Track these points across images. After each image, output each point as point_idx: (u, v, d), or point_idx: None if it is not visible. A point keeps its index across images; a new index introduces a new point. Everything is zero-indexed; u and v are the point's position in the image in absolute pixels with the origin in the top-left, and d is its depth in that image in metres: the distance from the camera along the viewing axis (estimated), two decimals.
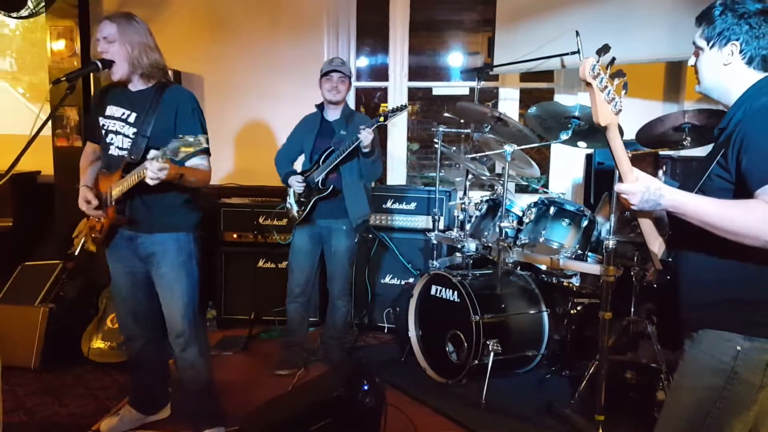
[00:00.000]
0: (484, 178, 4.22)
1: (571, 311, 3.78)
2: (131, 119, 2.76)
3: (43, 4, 4.73)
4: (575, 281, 3.80)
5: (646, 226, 1.89)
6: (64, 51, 5.02)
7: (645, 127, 3.39)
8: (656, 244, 1.91)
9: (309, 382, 3.28)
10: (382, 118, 3.56)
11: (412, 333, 3.95)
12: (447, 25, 6.03)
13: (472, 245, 3.92)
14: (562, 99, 4.82)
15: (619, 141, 1.75)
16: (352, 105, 5.31)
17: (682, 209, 1.69)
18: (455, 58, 6.05)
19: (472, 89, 4.83)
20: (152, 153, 2.44)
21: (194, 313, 2.91)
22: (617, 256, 3.07)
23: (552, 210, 3.66)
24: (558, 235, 3.61)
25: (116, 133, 2.79)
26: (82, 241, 3.11)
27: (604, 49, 1.69)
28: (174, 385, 3.24)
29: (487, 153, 4.02)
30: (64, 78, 2.60)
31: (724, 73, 1.78)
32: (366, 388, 2.56)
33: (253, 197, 4.89)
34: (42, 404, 3.43)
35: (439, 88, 5.64)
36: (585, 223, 3.62)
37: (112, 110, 2.80)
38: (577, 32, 3.97)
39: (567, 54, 4.15)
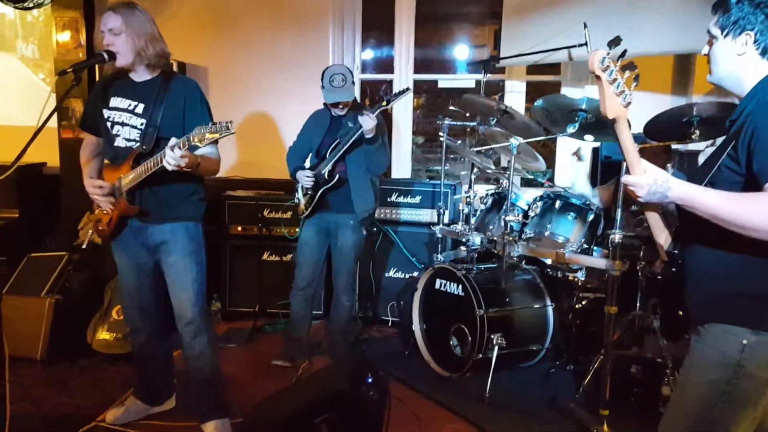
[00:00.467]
0: (489, 171, 4.20)
1: (576, 305, 3.77)
2: (139, 110, 2.76)
3: None
4: (581, 275, 3.79)
5: (653, 219, 1.88)
6: (69, 42, 5.01)
7: (653, 120, 3.37)
8: (663, 237, 1.90)
9: (313, 375, 3.29)
10: (384, 102, 3.54)
11: (417, 326, 3.95)
12: (453, 17, 5.99)
13: (476, 239, 3.92)
14: (569, 92, 4.79)
15: (627, 133, 1.74)
16: (357, 97, 5.30)
17: (689, 202, 1.68)
18: (461, 51, 6.01)
19: (478, 82, 4.81)
20: (173, 141, 2.47)
21: (203, 302, 2.94)
22: (623, 251, 3.06)
23: (558, 204, 3.65)
24: (563, 229, 3.60)
25: (123, 124, 2.79)
26: (89, 234, 3.12)
27: (615, 41, 1.67)
28: (179, 377, 3.25)
29: (492, 146, 4.01)
30: (70, 69, 2.60)
31: (738, 64, 1.76)
32: (370, 381, 2.56)
33: (258, 190, 4.89)
34: (48, 395, 3.45)
35: (445, 81, 5.61)
36: (591, 217, 3.61)
37: (117, 102, 2.80)
38: (584, 24, 3.95)
39: (574, 46, 4.12)
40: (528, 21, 4.57)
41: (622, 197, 3.07)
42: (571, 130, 3.48)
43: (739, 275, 1.71)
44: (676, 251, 1.87)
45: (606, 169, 4.36)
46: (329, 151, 3.66)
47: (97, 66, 2.91)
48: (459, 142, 4.28)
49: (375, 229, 4.63)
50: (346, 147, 3.59)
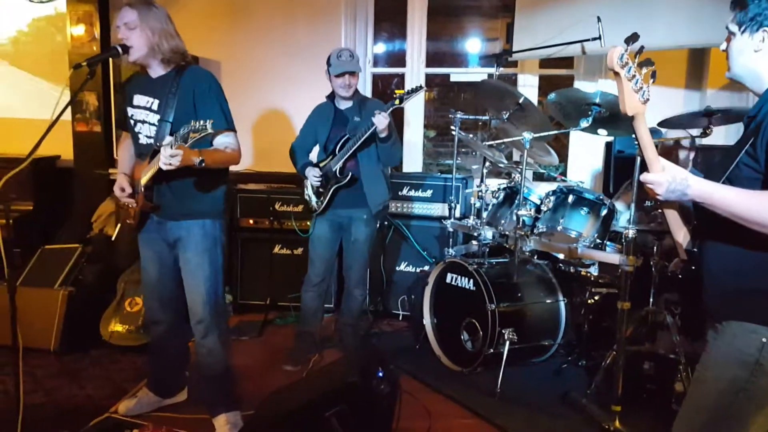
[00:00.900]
0: (501, 165, 4.18)
1: (589, 301, 3.75)
2: (155, 106, 2.78)
3: None
4: (593, 270, 3.77)
5: (671, 216, 1.86)
6: (83, 36, 5.03)
7: (668, 116, 3.34)
8: (681, 234, 1.88)
9: (324, 368, 3.29)
10: (397, 101, 3.51)
11: (427, 321, 3.94)
12: (465, 10, 5.97)
13: (488, 233, 3.90)
14: (583, 86, 4.76)
15: (646, 130, 1.72)
16: (368, 90, 5.30)
17: (708, 199, 1.67)
18: (473, 44, 5.99)
19: (490, 75, 4.78)
20: (166, 139, 2.49)
21: (216, 300, 2.93)
22: (637, 246, 3.04)
23: (570, 198, 3.62)
24: (576, 224, 3.57)
25: (143, 122, 2.82)
26: (105, 225, 3.14)
27: (632, 38, 1.65)
28: (191, 369, 3.27)
29: (505, 140, 3.99)
30: (85, 63, 2.60)
31: (755, 60, 1.73)
32: (381, 375, 2.56)
33: (270, 183, 4.90)
34: (60, 386, 3.48)
35: (457, 75, 5.59)
36: (604, 212, 3.58)
37: (138, 99, 2.83)
38: (598, 18, 3.92)
39: (588, 40, 4.09)
40: (541, 14, 4.54)
41: (636, 193, 3.05)
42: (584, 124, 3.46)
43: (758, 272, 1.68)
44: (695, 249, 1.85)
45: (619, 164, 4.33)
46: (338, 146, 3.64)
47: (111, 60, 2.93)
48: (471, 135, 4.26)
49: (386, 223, 4.62)
50: (358, 144, 3.56)
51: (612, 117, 3.44)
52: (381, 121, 3.42)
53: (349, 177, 3.62)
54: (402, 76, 5.34)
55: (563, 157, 4.96)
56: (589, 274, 3.79)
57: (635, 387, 3.24)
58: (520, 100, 3.69)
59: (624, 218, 3.56)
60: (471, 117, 4.51)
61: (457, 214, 4.32)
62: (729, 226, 1.64)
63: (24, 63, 5.49)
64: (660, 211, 1.87)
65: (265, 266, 4.67)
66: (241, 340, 4.20)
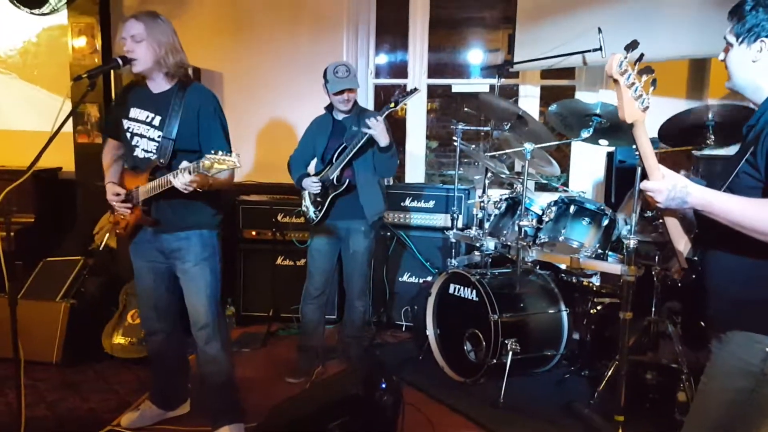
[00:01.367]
0: (503, 176, 4.19)
1: (591, 311, 3.74)
2: (156, 122, 2.79)
3: (64, 1, 4.77)
4: (595, 281, 3.77)
5: (672, 224, 1.86)
6: (85, 48, 5.06)
7: (667, 124, 3.34)
8: (682, 243, 1.88)
9: (327, 379, 3.28)
10: (392, 104, 3.52)
11: (430, 331, 3.94)
12: (467, 21, 5.98)
13: (490, 244, 3.90)
14: (584, 96, 4.77)
15: (646, 138, 1.73)
16: (370, 102, 5.31)
17: (708, 208, 1.67)
18: (475, 55, 6.00)
19: (492, 86, 4.79)
20: (184, 164, 2.52)
21: (217, 307, 2.95)
22: (638, 256, 3.04)
23: (572, 209, 3.62)
24: (578, 234, 3.57)
25: (141, 136, 2.82)
26: (105, 236, 3.14)
27: (632, 45, 1.66)
28: (194, 381, 3.26)
29: (506, 151, 3.99)
30: (85, 75, 2.62)
31: (754, 70, 1.75)
32: (384, 386, 2.56)
33: (272, 194, 4.90)
34: (63, 398, 3.47)
35: (459, 86, 5.60)
36: (605, 222, 3.58)
37: (135, 113, 2.83)
38: (599, 29, 3.93)
39: (589, 51, 4.10)
40: (542, 25, 4.56)
41: (638, 203, 3.05)
42: (585, 134, 3.47)
43: (762, 282, 1.68)
44: (696, 258, 1.85)
45: (621, 174, 4.33)
46: (336, 155, 3.64)
47: (113, 71, 2.94)
48: (473, 146, 4.27)
49: (389, 233, 4.62)
50: (354, 152, 3.56)
51: (613, 127, 3.44)
52: (374, 125, 3.42)
53: (346, 184, 3.61)
54: (404, 87, 5.35)
55: (565, 167, 4.97)
56: (591, 284, 3.78)
57: (638, 397, 3.22)
58: (519, 113, 3.70)
59: (625, 229, 3.56)
60: (473, 128, 4.53)
61: (460, 224, 4.31)
62: (732, 235, 1.64)
63: (29, 75, 5.52)
64: (661, 220, 1.87)
65: (268, 277, 4.67)
66: (243, 351, 4.19)
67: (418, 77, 5.25)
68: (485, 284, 3.59)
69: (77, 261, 4.26)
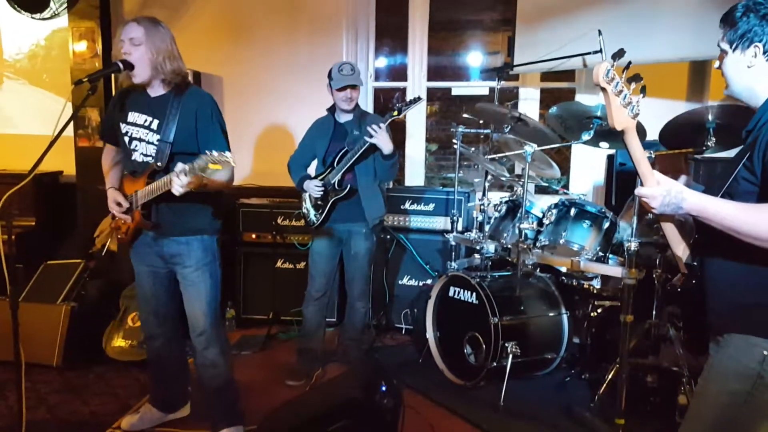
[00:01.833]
0: (503, 179, 4.19)
1: (592, 314, 3.74)
2: (154, 126, 2.78)
3: (65, 5, 4.78)
4: (596, 284, 3.76)
5: (669, 229, 1.87)
6: (86, 52, 5.07)
7: (668, 128, 3.35)
8: (680, 248, 1.88)
9: (327, 383, 3.28)
10: (395, 112, 3.52)
11: (430, 334, 3.93)
12: (466, 24, 6.00)
13: (491, 247, 3.90)
14: (584, 99, 4.77)
15: (637, 144, 1.73)
16: (370, 105, 5.31)
17: (704, 213, 1.67)
18: (475, 58, 6.02)
19: (491, 89, 4.80)
20: (179, 166, 2.49)
21: (216, 313, 2.94)
22: (639, 259, 3.03)
23: (573, 211, 3.62)
24: (578, 237, 3.58)
25: (140, 140, 2.81)
26: (107, 241, 3.14)
27: (618, 54, 1.67)
28: (194, 384, 3.26)
29: (506, 154, 4.00)
30: (86, 79, 2.62)
31: (750, 76, 1.76)
32: (384, 389, 2.55)
33: (272, 198, 4.91)
34: (63, 402, 3.47)
35: (459, 88, 5.61)
36: (606, 224, 3.58)
37: (134, 117, 2.82)
38: (599, 31, 3.93)
39: (589, 53, 4.10)
40: (542, 28, 4.56)
41: (638, 206, 3.05)
42: (586, 137, 3.47)
43: (759, 286, 1.69)
44: (695, 263, 1.85)
45: (621, 177, 4.33)
46: (337, 159, 3.64)
47: (113, 75, 2.93)
48: (473, 149, 4.28)
49: (388, 236, 4.62)
50: (356, 157, 3.57)
51: (613, 131, 3.44)
52: (377, 132, 3.42)
53: (348, 189, 3.62)
54: (403, 90, 5.37)
55: (565, 170, 4.97)
56: (591, 287, 3.78)
57: (638, 400, 3.23)
58: (518, 116, 3.70)
59: (626, 232, 3.55)
60: (473, 131, 4.53)
61: (460, 227, 4.31)
62: (730, 240, 1.64)
63: (36, 79, 5.54)
64: (657, 225, 1.88)
65: (268, 281, 4.67)
66: (243, 354, 4.19)
67: (417, 80, 5.26)
68: (485, 287, 3.58)
69: (78, 264, 4.26)
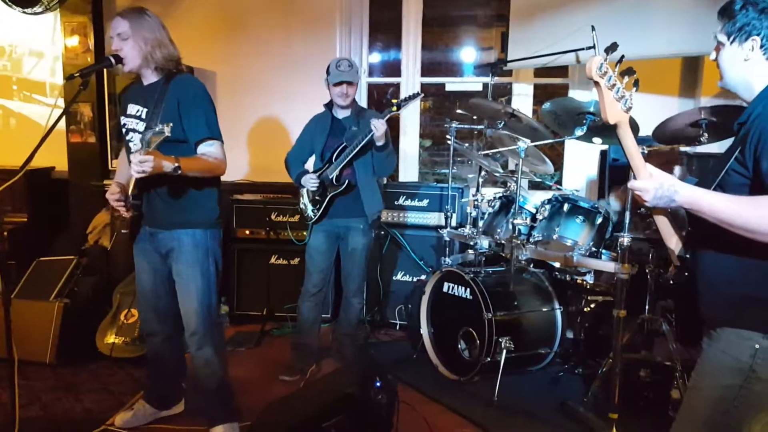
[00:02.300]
0: (497, 174, 4.20)
1: (585, 309, 3.76)
2: (143, 115, 2.77)
3: (56, 0, 4.75)
4: (589, 279, 3.78)
5: (662, 223, 1.88)
6: (77, 47, 5.05)
7: (662, 123, 3.36)
8: (673, 241, 1.89)
9: (321, 379, 3.28)
10: (394, 108, 3.52)
11: (425, 330, 3.94)
12: (460, 20, 5.99)
13: (484, 242, 3.91)
14: (577, 94, 4.78)
15: (630, 138, 1.74)
16: (363, 100, 5.31)
17: (696, 206, 1.68)
18: (468, 54, 6.00)
19: (485, 85, 4.80)
20: (138, 145, 2.48)
21: (209, 312, 2.90)
22: (632, 254, 3.04)
23: (566, 207, 3.63)
24: (572, 233, 3.59)
25: (133, 130, 2.81)
26: (100, 237, 3.13)
27: (612, 47, 1.68)
28: (188, 381, 3.26)
29: (500, 149, 4.00)
30: (78, 74, 2.60)
31: (746, 69, 1.76)
32: (378, 385, 2.56)
33: (266, 194, 4.90)
34: (57, 399, 3.46)
35: (453, 84, 5.61)
36: (599, 220, 3.59)
37: (130, 109, 2.82)
38: (592, 27, 3.93)
39: (582, 49, 4.10)
40: (535, 23, 4.56)
41: (630, 201, 3.06)
42: (579, 133, 3.47)
43: (751, 279, 1.70)
44: (687, 255, 1.86)
45: (614, 172, 4.34)
46: (335, 155, 3.65)
47: (106, 70, 2.93)
48: (466, 145, 4.28)
49: (383, 232, 4.62)
50: (355, 152, 3.57)
51: (606, 125, 3.43)
52: (379, 127, 3.43)
53: (345, 184, 3.62)
54: (397, 86, 5.36)
55: (558, 165, 4.98)
56: (585, 282, 3.80)
57: (632, 395, 3.24)
58: (511, 112, 3.71)
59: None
60: (466, 126, 4.53)
61: (454, 223, 4.32)
62: (722, 233, 1.65)
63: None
64: (650, 219, 1.89)
65: (262, 277, 4.67)
66: (237, 351, 4.19)
67: (411, 76, 5.26)
68: (479, 282, 3.59)
69: (70, 260, 4.24)
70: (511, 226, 3.68)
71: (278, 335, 4.51)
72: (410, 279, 4.66)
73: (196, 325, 2.87)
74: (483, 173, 4.24)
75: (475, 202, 4.07)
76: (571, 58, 4.27)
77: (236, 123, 5.04)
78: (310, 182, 3.69)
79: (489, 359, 3.46)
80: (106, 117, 5.11)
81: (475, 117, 4.46)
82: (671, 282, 3.01)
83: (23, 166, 2.37)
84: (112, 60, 2.67)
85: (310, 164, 3.92)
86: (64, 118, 2.69)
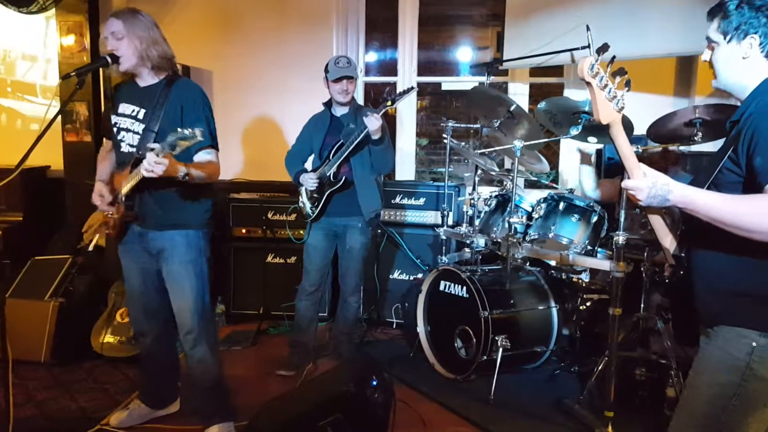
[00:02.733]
0: (493, 173, 4.20)
1: (581, 307, 3.76)
2: (140, 115, 2.77)
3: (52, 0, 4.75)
4: (585, 277, 3.79)
5: (657, 222, 1.88)
6: (73, 46, 5.03)
7: (656, 122, 3.37)
8: (668, 240, 1.89)
9: (318, 377, 3.28)
10: (389, 102, 3.52)
11: (421, 328, 3.94)
12: (456, 19, 6.01)
13: (481, 241, 3.91)
14: (572, 94, 4.79)
15: (623, 138, 1.74)
16: (360, 99, 5.31)
17: (691, 205, 1.68)
18: (464, 53, 6.02)
19: (481, 84, 4.81)
20: (150, 145, 2.46)
21: (204, 310, 2.91)
22: (627, 252, 3.05)
23: (561, 205, 3.64)
24: (567, 231, 3.59)
25: (127, 130, 2.80)
26: (96, 236, 3.12)
27: (603, 48, 1.69)
28: (184, 380, 3.25)
29: (496, 148, 4.01)
30: (74, 73, 2.60)
31: (743, 67, 1.76)
32: (375, 383, 2.56)
33: (262, 192, 4.90)
34: (52, 398, 3.45)
35: (449, 83, 5.61)
36: (595, 218, 3.60)
37: (123, 108, 2.81)
38: (587, 26, 3.94)
39: (577, 48, 4.11)
40: (531, 23, 4.57)
41: (625, 199, 3.07)
42: (574, 132, 3.48)
43: (746, 277, 1.70)
44: (682, 254, 1.87)
45: (610, 171, 4.35)
46: (333, 152, 3.65)
47: (101, 70, 2.92)
48: (463, 144, 4.28)
49: (379, 231, 4.62)
50: (351, 148, 3.57)
51: (601, 125, 3.45)
52: (373, 122, 3.42)
53: (343, 181, 3.62)
54: (394, 85, 5.36)
55: (554, 164, 4.99)
56: (580, 281, 3.80)
57: (627, 393, 3.25)
58: (512, 108, 3.71)
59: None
60: (463, 125, 4.54)
61: (450, 221, 4.32)
62: (717, 231, 1.65)
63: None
64: (645, 219, 1.89)
65: (258, 275, 4.66)
66: (234, 350, 4.19)
67: (407, 75, 5.26)
68: (475, 281, 3.60)
69: (66, 260, 4.23)
70: (507, 225, 3.69)
71: (275, 334, 4.50)
72: (407, 277, 4.66)
73: (191, 323, 2.87)
74: (479, 172, 4.24)
75: (472, 201, 4.07)
76: (566, 58, 4.29)
77: (232, 121, 5.04)
78: (309, 181, 3.68)
79: (485, 357, 3.47)
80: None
81: (472, 115, 4.46)
82: (667, 281, 3.02)
83: (19, 165, 2.37)
84: (108, 59, 2.67)
85: (309, 163, 3.92)
86: (60, 117, 2.68)
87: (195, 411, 3.09)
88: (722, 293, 1.75)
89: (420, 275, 4.46)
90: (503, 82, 5.20)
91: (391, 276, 4.71)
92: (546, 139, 3.81)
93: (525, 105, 5.11)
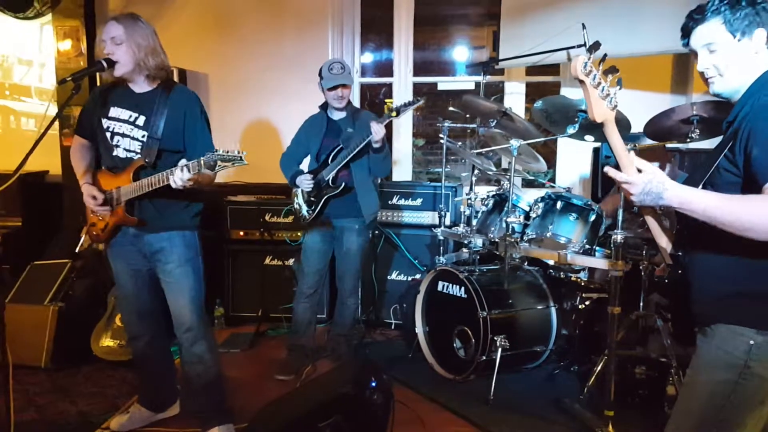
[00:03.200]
0: (490, 173, 4.20)
1: (580, 306, 3.76)
2: (140, 122, 2.77)
3: (48, 4, 4.74)
4: (583, 276, 3.79)
5: (652, 221, 1.88)
6: (70, 51, 5.03)
7: (653, 119, 3.37)
8: (664, 240, 1.89)
9: (317, 379, 3.28)
10: (394, 113, 3.52)
11: (420, 329, 3.94)
12: (451, 19, 6.01)
13: (478, 241, 3.91)
14: (569, 92, 4.79)
15: (617, 136, 1.74)
16: (356, 101, 5.31)
17: (687, 205, 1.66)
18: (460, 53, 6.02)
19: (477, 84, 4.81)
20: (183, 161, 2.53)
21: (202, 308, 2.94)
22: (626, 251, 3.05)
23: (559, 204, 3.64)
24: (565, 230, 3.59)
25: (123, 135, 2.79)
26: (87, 237, 3.13)
27: (594, 46, 1.70)
28: (183, 383, 3.25)
29: (493, 148, 4.01)
30: (70, 78, 2.61)
31: (753, 63, 1.72)
32: (374, 384, 2.56)
33: (260, 195, 4.89)
34: (52, 402, 3.45)
35: (445, 83, 5.62)
36: (592, 217, 3.60)
37: (117, 112, 2.81)
38: (583, 25, 3.95)
39: (573, 47, 4.12)
40: (527, 22, 4.58)
41: (623, 198, 3.07)
42: (571, 130, 3.48)
43: (743, 276, 1.70)
44: (679, 254, 1.86)
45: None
46: (332, 157, 3.65)
47: (97, 74, 2.92)
48: (459, 143, 4.28)
49: (377, 232, 4.62)
50: (352, 155, 3.57)
51: (594, 122, 3.46)
52: (378, 131, 3.43)
53: (342, 186, 3.62)
54: (390, 86, 5.37)
55: (551, 163, 4.99)
56: (579, 280, 3.80)
57: (627, 391, 3.25)
58: (504, 110, 3.71)
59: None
60: (459, 125, 4.53)
61: (447, 222, 4.32)
62: (711, 230, 1.64)
63: None
64: (641, 218, 1.89)
65: (257, 278, 4.66)
66: (232, 352, 4.19)
67: (403, 75, 5.26)
68: (473, 281, 3.60)
69: (65, 264, 4.23)
70: (504, 225, 3.69)
71: (273, 336, 4.50)
72: (405, 278, 4.66)
73: (190, 320, 2.88)
74: (476, 172, 4.24)
75: (469, 201, 4.08)
76: (562, 56, 4.29)
77: (229, 124, 5.04)
78: (305, 183, 3.68)
79: (484, 358, 3.47)
80: None
81: (468, 115, 4.47)
82: (665, 280, 3.02)
83: (17, 170, 2.37)
84: (104, 63, 2.67)
85: (304, 165, 3.92)
86: (57, 121, 2.68)
87: (195, 413, 3.09)
88: (716, 291, 1.75)
89: (418, 276, 4.46)
90: (499, 82, 5.20)
91: (388, 277, 4.71)
92: (543, 138, 3.81)
93: (521, 104, 5.12)
